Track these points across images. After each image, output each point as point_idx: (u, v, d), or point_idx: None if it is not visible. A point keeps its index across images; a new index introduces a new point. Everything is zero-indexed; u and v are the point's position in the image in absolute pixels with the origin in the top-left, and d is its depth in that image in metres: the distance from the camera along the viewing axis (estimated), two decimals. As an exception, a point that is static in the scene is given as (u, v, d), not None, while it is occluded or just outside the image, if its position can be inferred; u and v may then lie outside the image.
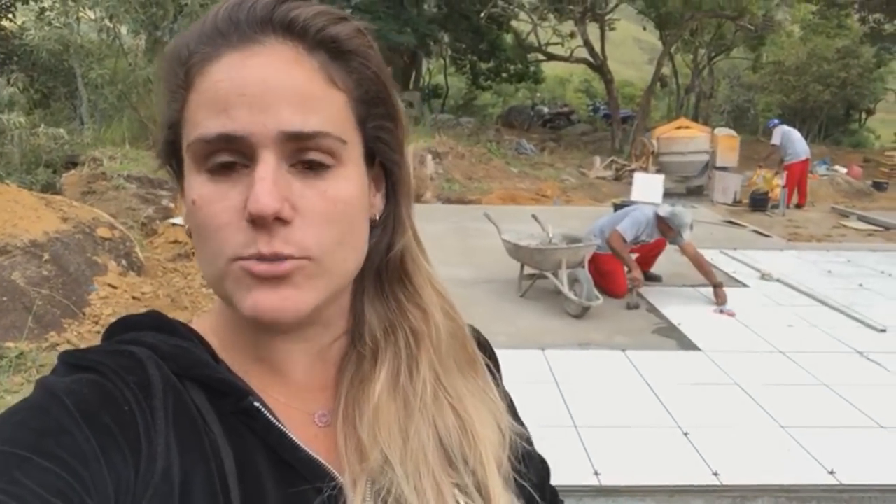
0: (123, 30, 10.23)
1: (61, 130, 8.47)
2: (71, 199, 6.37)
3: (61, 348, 4.38)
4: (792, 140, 11.40)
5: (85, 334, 4.59)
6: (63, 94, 10.81)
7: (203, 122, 0.50)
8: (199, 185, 0.51)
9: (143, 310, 0.60)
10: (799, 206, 11.44)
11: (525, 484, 0.65)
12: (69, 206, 5.77)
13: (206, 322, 0.61)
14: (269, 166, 0.49)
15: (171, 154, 0.56)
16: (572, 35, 19.37)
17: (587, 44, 18.38)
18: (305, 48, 0.51)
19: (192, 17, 9.76)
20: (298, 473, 0.54)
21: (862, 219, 10.54)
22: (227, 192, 0.50)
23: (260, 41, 0.50)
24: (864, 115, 26.09)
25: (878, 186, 13.15)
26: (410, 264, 0.62)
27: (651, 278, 6.12)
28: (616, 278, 5.73)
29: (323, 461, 0.55)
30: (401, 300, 0.62)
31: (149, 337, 0.54)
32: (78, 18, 9.89)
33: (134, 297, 5.18)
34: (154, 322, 0.56)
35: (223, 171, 0.50)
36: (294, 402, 0.59)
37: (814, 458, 3.20)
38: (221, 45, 0.51)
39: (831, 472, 3.08)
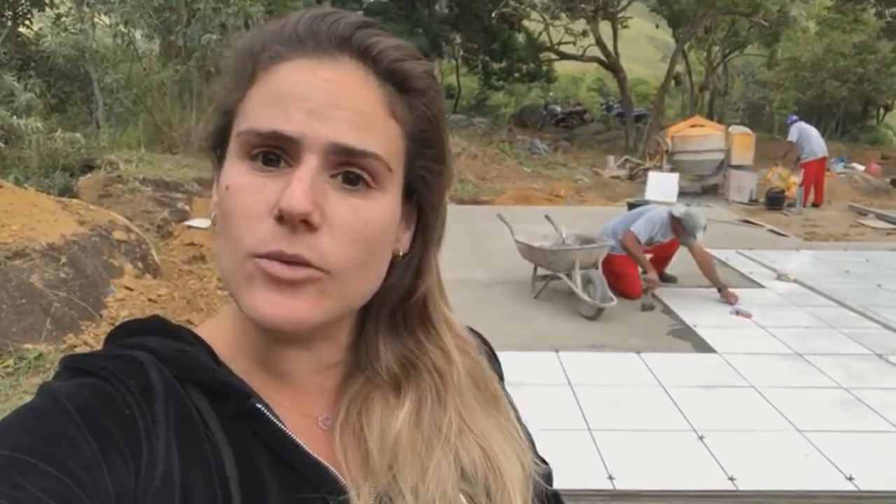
0: (138, 35, 10.34)
1: (78, 135, 8.56)
2: (88, 202, 6.44)
3: (79, 350, 4.43)
4: (809, 137, 11.29)
5: (102, 336, 4.60)
6: (79, 98, 10.93)
7: (259, 116, 0.51)
8: (237, 172, 0.52)
9: (159, 311, 0.60)
10: (816, 204, 11.33)
11: None
12: (86, 209, 5.83)
13: (211, 326, 0.61)
14: (310, 170, 0.50)
15: (219, 141, 0.56)
16: (584, 33, 19.28)
17: (599, 42, 18.31)
18: (375, 75, 0.53)
19: (204, 21, 9.85)
20: (302, 476, 0.54)
21: (880, 217, 10.42)
22: (264, 185, 0.50)
23: (334, 56, 0.52)
24: (882, 112, 25.78)
25: (896, 184, 13.00)
26: (431, 308, 0.63)
27: (666, 279, 6.08)
28: (630, 279, 5.70)
29: (327, 464, 0.55)
30: (421, 340, 0.62)
31: (151, 341, 0.54)
32: (93, 24, 10.00)
33: (150, 300, 5.22)
34: (156, 326, 0.56)
35: (266, 164, 0.51)
36: (297, 406, 0.58)
37: (832, 464, 3.17)
38: (295, 48, 0.52)
39: (850, 478, 3.04)
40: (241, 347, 0.58)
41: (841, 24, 21.49)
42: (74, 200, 6.24)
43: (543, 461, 0.72)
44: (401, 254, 0.59)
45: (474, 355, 0.66)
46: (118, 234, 5.62)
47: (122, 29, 9.84)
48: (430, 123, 0.56)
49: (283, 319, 0.51)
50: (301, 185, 0.49)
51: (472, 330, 0.71)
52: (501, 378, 0.73)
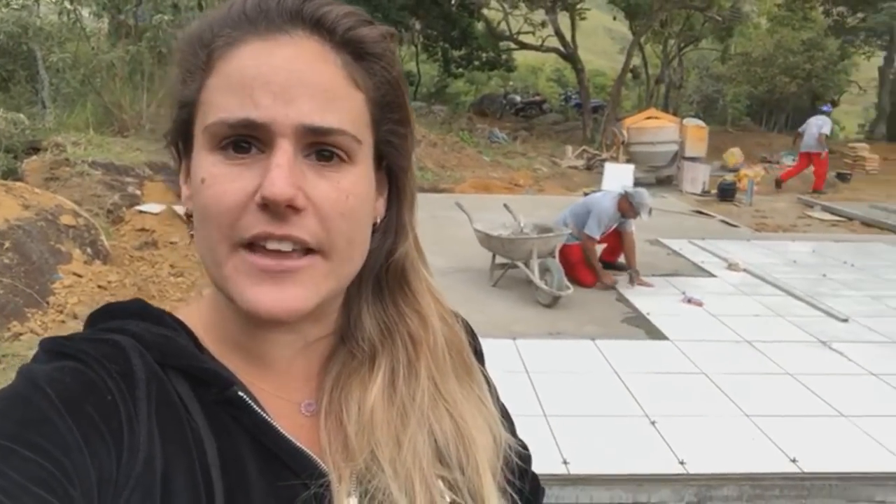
0: (85, 12, 9.97)
1: (21, 115, 8.24)
2: (33, 185, 6.22)
3: (25, 338, 4.29)
4: (807, 133, 12.00)
5: (49, 324, 4.49)
6: (23, 77, 10.49)
7: (225, 106, 0.50)
8: (210, 164, 0.51)
9: (109, 298, 0.59)
10: (816, 190, 12.08)
11: (515, 496, 0.66)
12: (31, 192, 5.63)
13: (191, 310, 0.60)
14: (286, 154, 0.49)
15: (181, 134, 0.55)
16: (543, 24, 19.38)
17: (558, 33, 18.43)
18: (331, 46, 0.52)
19: (156, 0, 9.55)
20: (284, 464, 0.54)
21: (826, 209, 10.77)
22: (240, 173, 0.50)
23: (287, 32, 0.51)
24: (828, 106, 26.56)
25: (842, 178, 13.45)
26: (410, 270, 0.63)
27: (619, 268, 6.18)
28: (586, 268, 5.79)
29: (308, 451, 0.55)
30: (400, 305, 0.62)
31: (132, 325, 0.53)
32: (37, 0, 9.60)
33: (100, 286, 5.08)
34: (138, 310, 0.56)
35: (238, 152, 0.50)
36: (280, 392, 0.58)
37: (777, 447, 3.27)
38: (248, 31, 0.51)
39: (793, 461, 3.15)
40: (222, 332, 0.58)
41: (791, 22, 22.05)
42: (18, 183, 6.01)
43: (524, 445, 0.73)
44: (378, 220, 0.60)
45: (452, 323, 0.66)
46: (66, 219, 5.45)
47: (68, 6, 9.46)
48: (392, 87, 0.56)
49: (280, 311, 0.51)
50: (281, 172, 0.48)
51: (456, 314, 0.71)
52: (480, 354, 0.73)
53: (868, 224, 9.79)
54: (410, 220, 0.62)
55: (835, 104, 25.72)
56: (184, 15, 9.47)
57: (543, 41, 20.35)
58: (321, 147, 0.51)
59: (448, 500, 0.58)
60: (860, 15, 21.42)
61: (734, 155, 12.84)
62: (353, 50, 0.53)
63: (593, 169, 13.53)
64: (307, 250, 0.51)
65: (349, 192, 0.52)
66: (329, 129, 0.50)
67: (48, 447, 0.43)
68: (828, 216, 10.42)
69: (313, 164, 0.51)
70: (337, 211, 0.51)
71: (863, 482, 3.06)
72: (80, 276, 5.05)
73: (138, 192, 7.18)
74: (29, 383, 0.47)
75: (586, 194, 8.43)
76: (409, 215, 0.62)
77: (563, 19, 18.83)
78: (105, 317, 0.55)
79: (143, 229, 6.46)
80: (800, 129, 12.43)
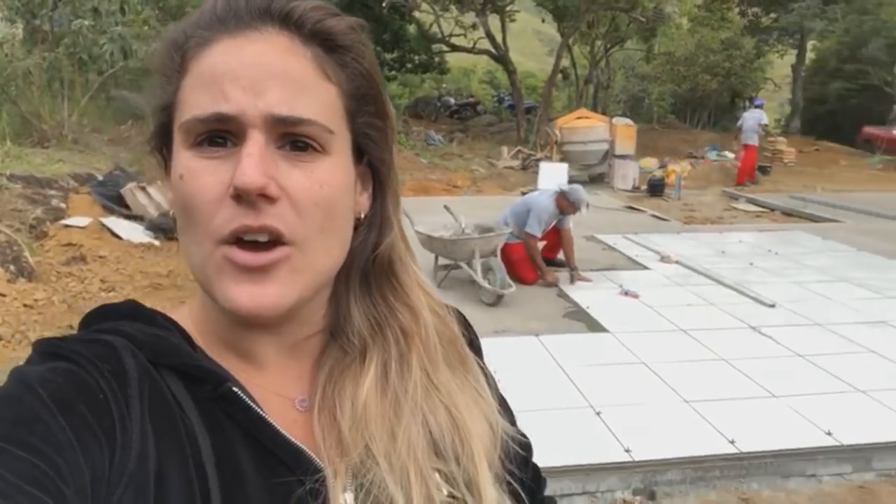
0: (-3, 18, 9.50)
1: (-70, 127, 7.78)
2: (-54, 201, 5.88)
3: (-56, 364, 4.04)
4: (745, 125, 12.85)
5: (-29, 347, 4.25)
6: (-69, 87, 9.91)
7: (198, 103, 0.51)
8: (187, 159, 0.52)
9: (37, 317, 0.60)
10: (749, 181, 12.82)
11: (516, 485, 0.66)
12: (-55, 209, 5.32)
13: (183, 311, 0.61)
14: (257, 144, 0.50)
15: (163, 138, 0.56)
16: (474, 26, 19.54)
17: (489, 35, 18.60)
18: (300, 39, 0.53)
19: (73, 4, 9.18)
20: (279, 459, 0.54)
21: (750, 201, 11.26)
22: (216, 167, 0.51)
23: (256, 28, 0.52)
24: (747, 103, 27.73)
25: (763, 170, 14.06)
26: (398, 263, 0.63)
27: (559, 264, 6.30)
28: (527, 265, 5.88)
29: (303, 447, 0.55)
30: (389, 299, 0.62)
31: (125, 326, 0.54)
32: (-56, 5, 9.09)
33: (26, 305, 4.84)
34: (131, 311, 0.56)
35: (213, 147, 0.51)
36: (273, 388, 0.59)
37: (716, 430, 3.41)
38: (218, 30, 0.52)
39: (732, 442, 3.28)
40: (212, 332, 0.59)
41: (709, 22, 22.93)
42: (-69, 199, 5.68)
43: (523, 435, 0.72)
44: (362, 216, 0.60)
45: (444, 315, 0.66)
46: (-15, 235, 5.18)
47: (-21, 12, 9.01)
48: (365, 79, 0.57)
49: (258, 307, 0.51)
50: (251, 161, 0.49)
51: (455, 310, 0.72)
52: (476, 346, 0.73)
53: (788, 214, 10.31)
54: (395, 212, 0.62)
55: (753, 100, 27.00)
56: (105, 20, 9.13)
57: (475, 43, 20.52)
58: (294, 138, 0.52)
59: (445, 492, 0.58)
60: (773, 15, 22.51)
61: (649, 162, 13.87)
62: (323, 42, 0.54)
63: (529, 169, 13.74)
64: (283, 242, 0.51)
65: (323, 182, 0.52)
66: (299, 118, 0.51)
67: (41, 446, 0.43)
68: (752, 207, 10.91)
69: (287, 155, 0.52)
70: (311, 200, 0.52)
71: (795, 458, 3.22)
72: (3, 295, 4.80)
73: (63, 206, 6.89)
74: (21, 384, 0.47)
75: (524, 193, 8.57)
76: (393, 208, 0.62)
77: (494, 22, 19.04)
78: (98, 318, 0.56)
79: (69, 244, 6.18)
80: (738, 124, 13.31)
